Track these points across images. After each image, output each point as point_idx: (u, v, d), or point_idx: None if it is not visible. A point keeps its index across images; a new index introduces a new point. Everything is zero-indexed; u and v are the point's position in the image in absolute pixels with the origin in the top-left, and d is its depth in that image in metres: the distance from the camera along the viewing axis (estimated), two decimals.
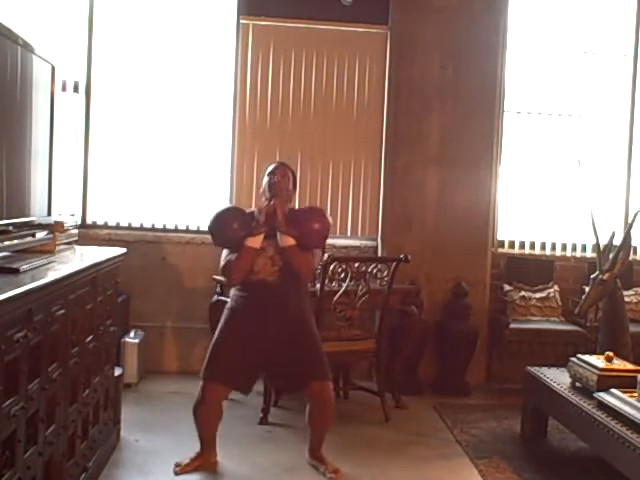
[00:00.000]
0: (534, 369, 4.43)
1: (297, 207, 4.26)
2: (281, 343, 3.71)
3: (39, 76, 3.38)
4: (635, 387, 3.52)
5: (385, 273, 4.73)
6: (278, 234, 3.73)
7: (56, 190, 3.79)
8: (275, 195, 3.79)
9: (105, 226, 5.55)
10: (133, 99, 5.56)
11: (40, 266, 2.95)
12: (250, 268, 3.73)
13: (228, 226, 3.76)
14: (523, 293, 5.57)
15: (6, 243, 3.03)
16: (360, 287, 4.62)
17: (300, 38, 5.55)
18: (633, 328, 4.55)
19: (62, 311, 2.78)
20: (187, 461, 3.75)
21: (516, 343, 5.35)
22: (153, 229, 5.60)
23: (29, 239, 3.33)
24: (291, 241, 3.70)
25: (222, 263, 3.80)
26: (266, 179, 3.89)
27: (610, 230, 4.48)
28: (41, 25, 4.51)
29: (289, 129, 5.58)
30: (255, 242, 3.72)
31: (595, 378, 3.79)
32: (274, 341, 3.71)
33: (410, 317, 5.03)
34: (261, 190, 3.95)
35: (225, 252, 3.82)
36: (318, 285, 4.48)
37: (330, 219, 3.88)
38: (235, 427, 4.32)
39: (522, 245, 5.84)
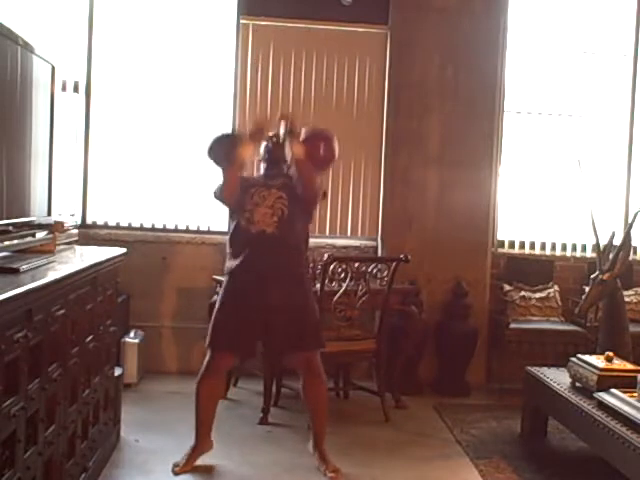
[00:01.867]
0: (534, 369, 4.43)
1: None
2: (276, 305, 3.70)
3: (39, 76, 3.38)
4: (635, 387, 3.52)
5: (385, 273, 4.74)
6: (288, 143, 3.75)
7: (56, 190, 3.79)
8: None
9: (105, 226, 5.56)
10: (133, 99, 5.56)
11: (40, 266, 2.94)
12: (239, 183, 3.75)
13: (223, 140, 3.81)
14: (523, 293, 5.57)
15: (6, 243, 3.03)
16: (360, 287, 4.62)
17: (300, 38, 5.55)
18: (633, 328, 4.55)
19: (62, 311, 2.78)
20: (185, 459, 3.74)
21: (516, 343, 5.35)
22: (153, 229, 5.60)
23: (29, 239, 3.33)
24: (301, 151, 3.71)
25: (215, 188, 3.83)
26: (264, 144, 3.92)
27: (610, 230, 4.48)
28: (41, 25, 4.50)
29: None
30: (244, 153, 3.73)
31: (595, 378, 3.79)
32: (273, 305, 3.70)
33: (410, 317, 5.03)
34: (258, 157, 3.98)
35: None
36: (318, 285, 4.48)
37: (337, 146, 3.84)
38: (235, 427, 4.32)
39: (522, 245, 5.84)
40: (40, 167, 3.49)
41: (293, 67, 5.56)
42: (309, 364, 3.80)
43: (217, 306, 3.84)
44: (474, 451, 4.16)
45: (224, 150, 3.76)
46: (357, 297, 4.61)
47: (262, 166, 3.97)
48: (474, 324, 5.46)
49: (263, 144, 3.94)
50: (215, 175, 3.89)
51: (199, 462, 3.77)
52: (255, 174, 4.05)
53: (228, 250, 3.88)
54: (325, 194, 4.44)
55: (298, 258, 3.85)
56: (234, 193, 3.79)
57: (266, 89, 5.54)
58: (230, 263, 3.83)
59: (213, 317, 3.83)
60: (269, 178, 3.87)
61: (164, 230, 5.60)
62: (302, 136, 3.78)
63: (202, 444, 3.80)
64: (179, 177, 5.61)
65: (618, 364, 3.88)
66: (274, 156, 3.91)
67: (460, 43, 5.58)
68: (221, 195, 3.83)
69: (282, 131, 3.78)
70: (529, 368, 4.47)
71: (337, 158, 3.89)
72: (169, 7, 5.56)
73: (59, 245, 3.63)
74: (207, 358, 3.78)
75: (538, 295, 5.58)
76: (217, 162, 3.82)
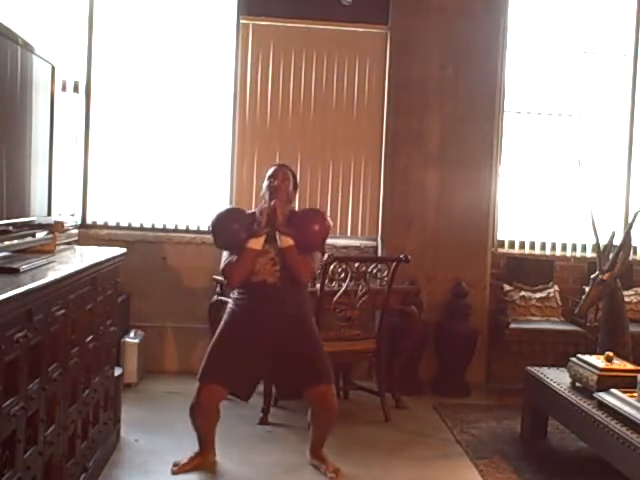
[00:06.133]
0: (534, 369, 4.43)
1: (297, 209, 4.25)
2: (281, 348, 3.70)
3: (39, 76, 3.38)
4: (635, 387, 3.52)
5: (385, 273, 4.73)
6: (277, 234, 3.73)
7: (56, 190, 3.79)
8: (275, 197, 3.79)
9: (105, 226, 5.55)
10: (133, 99, 5.56)
11: (40, 266, 2.94)
12: (251, 269, 3.73)
13: (229, 227, 3.77)
14: (523, 293, 5.57)
15: (6, 243, 3.03)
16: (360, 287, 4.62)
17: (300, 38, 5.55)
18: (633, 328, 4.56)
19: (62, 311, 2.78)
20: (185, 460, 3.74)
21: (516, 343, 5.36)
22: (153, 229, 5.60)
23: (29, 239, 3.33)
24: (290, 242, 3.71)
25: (222, 265, 3.80)
26: (266, 183, 3.88)
27: (610, 230, 4.48)
28: (41, 25, 4.50)
29: (289, 129, 5.58)
30: (256, 244, 3.72)
31: (595, 378, 3.79)
32: (274, 346, 3.70)
33: (410, 317, 5.02)
34: (261, 193, 3.95)
35: (225, 254, 3.82)
36: (318, 285, 4.48)
37: (330, 221, 3.89)
38: (235, 427, 4.32)
39: (522, 245, 5.84)
40: (40, 167, 3.49)
41: (293, 67, 5.55)
42: (325, 398, 3.75)
43: (214, 339, 3.80)
44: (474, 451, 4.16)
45: (234, 237, 3.72)
46: (357, 297, 4.61)
47: (265, 202, 3.86)
48: (474, 324, 5.46)
49: (265, 183, 3.87)
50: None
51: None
52: (257, 212, 3.88)
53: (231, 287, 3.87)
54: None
55: (300, 300, 3.82)
56: (243, 280, 3.75)
57: (266, 89, 5.54)
58: (232, 304, 3.81)
59: (209, 349, 3.77)
60: (272, 229, 3.75)
61: (164, 230, 5.60)
62: (291, 222, 3.74)
63: (205, 455, 3.78)
64: (179, 177, 5.61)
65: (618, 364, 3.88)
66: (278, 197, 3.80)
67: (460, 43, 5.58)
68: (229, 279, 3.78)
69: (264, 225, 3.72)
70: (529, 368, 4.47)
71: (331, 230, 3.90)
72: (169, 7, 5.56)
73: (59, 245, 3.63)
74: (197, 390, 3.70)
75: (538, 295, 5.58)
76: (223, 246, 3.80)
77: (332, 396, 3.79)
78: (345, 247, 5.61)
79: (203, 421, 3.76)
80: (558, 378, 4.18)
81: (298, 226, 3.74)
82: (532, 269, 5.69)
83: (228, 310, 3.85)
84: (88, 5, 5.45)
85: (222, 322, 3.84)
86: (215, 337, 3.81)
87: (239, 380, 3.73)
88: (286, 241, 3.71)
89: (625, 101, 5.87)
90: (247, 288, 3.77)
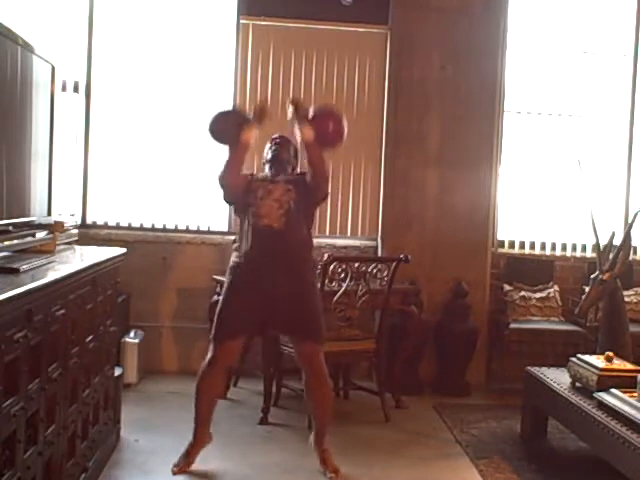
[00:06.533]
0: (534, 369, 4.43)
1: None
2: (284, 296, 3.68)
3: (39, 76, 3.39)
4: (635, 387, 3.52)
5: (385, 273, 4.74)
6: (297, 127, 3.73)
7: (56, 190, 3.79)
8: (276, 161, 3.85)
9: (105, 226, 5.55)
10: (133, 99, 5.56)
11: (40, 266, 2.95)
12: (243, 163, 3.75)
13: (224, 118, 3.79)
14: (523, 293, 5.57)
15: (6, 243, 3.03)
16: (360, 287, 4.62)
17: (300, 38, 5.55)
18: (633, 328, 4.56)
19: (62, 311, 2.78)
20: (182, 458, 3.73)
21: (516, 343, 5.36)
22: (153, 229, 5.60)
23: (29, 239, 3.33)
24: (311, 134, 3.69)
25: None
26: (267, 146, 3.94)
27: (610, 230, 4.48)
28: (41, 25, 4.50)
29: (289, 129, 5.56)
30: (248, 135, 3.71)
31: (595, 378, 3.79)
32: (278, 293, 3.68)
33: (410, 317, 5.03)
34: (262, 161, 3.97)
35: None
36: (318, 285, 4.47)
37: (346, 125, 3.80)
38: (235, 427, 4.32)
39: (522, 245, 5.84)
40: (40, 167, 3.49)
41: (293, 67, 5.56)
42: (312, 359, 3.77)
43: (221, 300, 3.80)
44: (474, 451, 4.16)
45: (229, 130, 3.73)
46: (357, 297, 4.61)
47: (266, 167, 3.95)
48: (474, 324, 5.46)
49: (267, 146, 3.93)
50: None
51: (198, 461, 3.76)
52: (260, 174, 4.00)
53: (234, 245, 3.87)
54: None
55: (305, 253, 3.81)
56: (238, 179, 3.76)
57: (266, 89, 5.53)
58: (236, 257, 3.80)
59: (218, 310, 3.78)
60: (275, 173, 3.87)
61: (164, 230, 5.60)
62: (310, 114, 3.74)
63: (201, 439, 3.79)
64: (179, 177, 5.61)
65: (618, 364, 3.88)
66: (279, 158, 3.90)
67: (460, 43, 5.58)
68: (224, 178, 3.76)
69: (290, 115, 3.75)
70: (529, 368, 4.47)
71: (345, 137, 3.82)
72: (169, 7, 5.56)
73: (59, 245, 3.63)
74: (210, 352, 3.74)
75: (538, 295, 5.58)
76: (220, 141, 3.79)
77: (319, 359, 3.78)
78: (345, 247, 5.62)
79: (210, 384, 3.74)
80: (558, 378, 4.18)
81: (314, 119, 3.73)
82: (532, 269, 5.69)
83: (233, 262, 3.79)
84: (88, 5, 5.45)
85: (227, 277, 3.82)
86: (222, 296, 3.80)
87: (247, 325, 3.75)
88: (308, 133, 3.69)
89: (625, 101, 5.87)
90: (253, 233, 3.71)
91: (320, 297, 3.91)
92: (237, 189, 3.78)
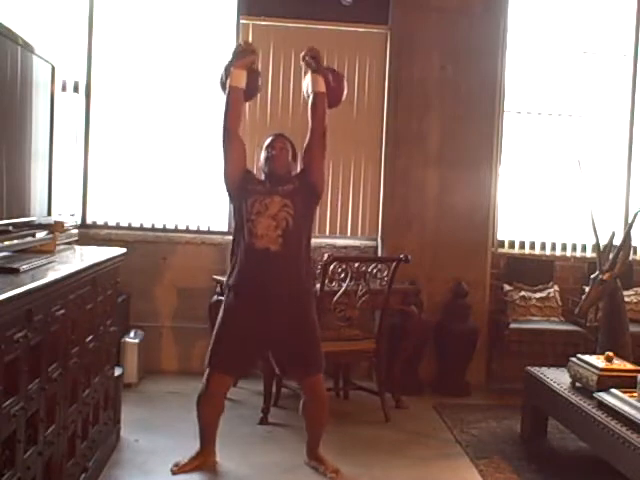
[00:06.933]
0: (534, 369, 4.43)
1: None
2: (282, 332, 3.66)
3: (39, 76, 3.39)
4: (635, 387, 3.52)
5: (385, 273, 4.73)
6: (309, 75, 3.76)
7: (56, 190, 3.79)
8: (274, 165, 3.77)
9: (105, 226, 5.55)
10: (133, 99, 5.56)
11: (40, 266, 2.95)
12: (242, 111, 3.80)
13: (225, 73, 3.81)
14: (523, 293, 5.57)
15: (6, 243, 3.03)
16: (360, 287, 4.62)
17: (300, 38, 5.53)
18: (633, 328, 4.56)
19: (62, 311, 2.78)
20: (186, 460, 3.74)
21: (516, 343, 5.36)
22: (153, 229, 5.60)
23: (29, 239, 3.33)
24: (323, 86, 3.72)
25: None
26: (264, 154, 3.82)
27: (610, 230, 4.48)
28: (41, 25, 4.50)
29: (289, 129, 5.54)
30: (237, 80, 3.71)
31: (595, 378, 3.79)
32: (275, 328, 3.65)
33: (410, 317, 5.03)
34: (259, 165, 3.88)
35: None
36: (318, 285, 4.48)
37: (346, 87, 3.89)
38: (235, 427, 4.32)
39: (522, 245, 5.84)
40: (40, 167, 3.49)
41: (293, 67, 5.55)
42: (313, 388, 3.78)
43: (218, 324, 3.75)
44: (474, 451, 4.16)
45: (223, 78, 3.77)
46: (357, 297, 4.61)
47: (263, 175, 3.83)
48: (474, 324, 5.46)
49: (263, 154, 3.82)
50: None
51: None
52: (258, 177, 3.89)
53: (230, 260, 3.79)
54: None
55: (303, 275, 3.73)
56: (238, 122, 3.74)
57: (266, 89, 5.53)
58: (232, 277, 3.73)
59: (214, 335, 3.75)
60: (272, 183, 3.73)
61: (164, 230, 5.60)
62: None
63: (206, 455, 3.78)
64: (179, 177, 5.61)
65: (618, 364, 3.88)
66: (276, 173, 3.76)
67: (460, 43, 5.58)
68: (225, 123, 3.70)
69: (307, 64, 3.78)
70: (529, 368, 4.47)
71: (344, 98, 3.90)
72: (169, 7, 5.56)
73: (59, 245, 3.63)
74: (206, 377, 3.72)
75: (538, 295, 5.58)
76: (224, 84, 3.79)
77: (321, 386, 3.79)
78: (345, 247, 5.62)
79: (209, 410, 3.74)
80: (558, 378, 4.18)
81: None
82: (532, 269, 5.69)
83: (231, 284, 3.72)
84: (88, 5, 5.45)
85: (225, 301, 3.77)
86: (219, 320, 3.74)
87: (242, 364, 3.80)
88: (320, 85, 3.72)
89: (625, 101, 5.87)
90: (250, 255, 3.65)
91: (317, 324, 3.80)
92: (236, 153, 3.73)
